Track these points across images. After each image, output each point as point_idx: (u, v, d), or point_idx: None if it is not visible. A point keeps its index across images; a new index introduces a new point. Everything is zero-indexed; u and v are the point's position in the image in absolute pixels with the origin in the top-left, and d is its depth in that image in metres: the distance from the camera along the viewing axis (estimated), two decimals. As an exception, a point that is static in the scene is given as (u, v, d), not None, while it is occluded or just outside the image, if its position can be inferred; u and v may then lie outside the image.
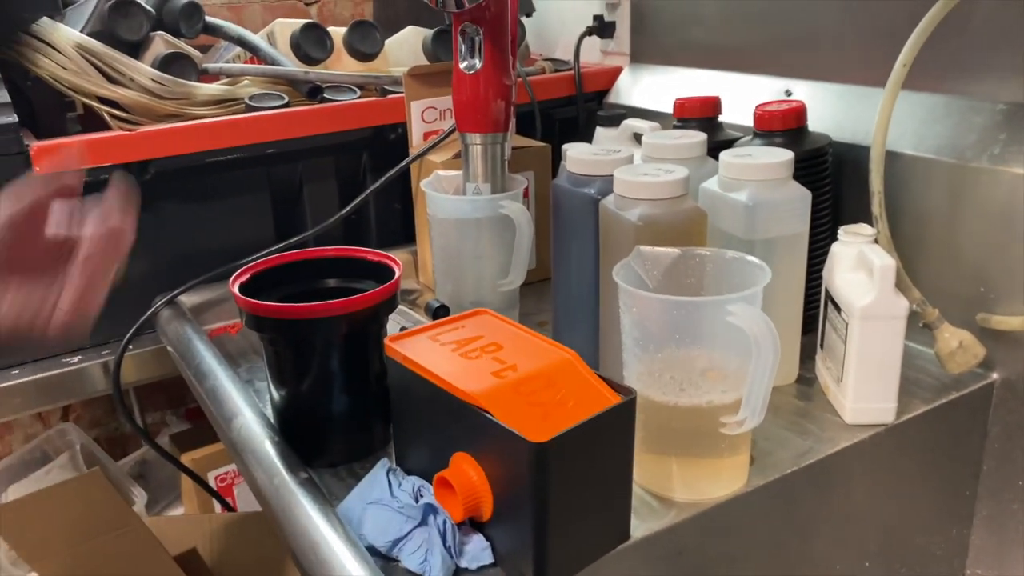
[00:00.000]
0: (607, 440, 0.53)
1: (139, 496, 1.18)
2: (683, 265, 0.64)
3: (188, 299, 0.95)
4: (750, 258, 0.61)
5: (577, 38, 1.22)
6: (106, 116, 0.98)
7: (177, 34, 1.10)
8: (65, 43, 0.97)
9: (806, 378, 0.77)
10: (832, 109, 0.90)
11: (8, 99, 0.88)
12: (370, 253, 0.72)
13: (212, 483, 1.15)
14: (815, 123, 0.84)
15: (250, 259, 0.75)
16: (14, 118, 0.86)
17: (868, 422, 0.69)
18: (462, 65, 0.83)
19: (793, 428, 0.70)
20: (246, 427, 0.66)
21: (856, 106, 0.88)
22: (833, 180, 0.83)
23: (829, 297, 0.73)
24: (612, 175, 0.70)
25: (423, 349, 0.60)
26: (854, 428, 0.69)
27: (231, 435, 0.67)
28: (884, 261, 0.66)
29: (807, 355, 0.78)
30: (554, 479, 0.50)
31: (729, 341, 0.58)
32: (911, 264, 0.76)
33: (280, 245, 0.92)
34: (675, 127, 0.91)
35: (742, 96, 0.97)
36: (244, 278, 0.67)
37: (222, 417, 0.69)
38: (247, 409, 0.69)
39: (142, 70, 0.99)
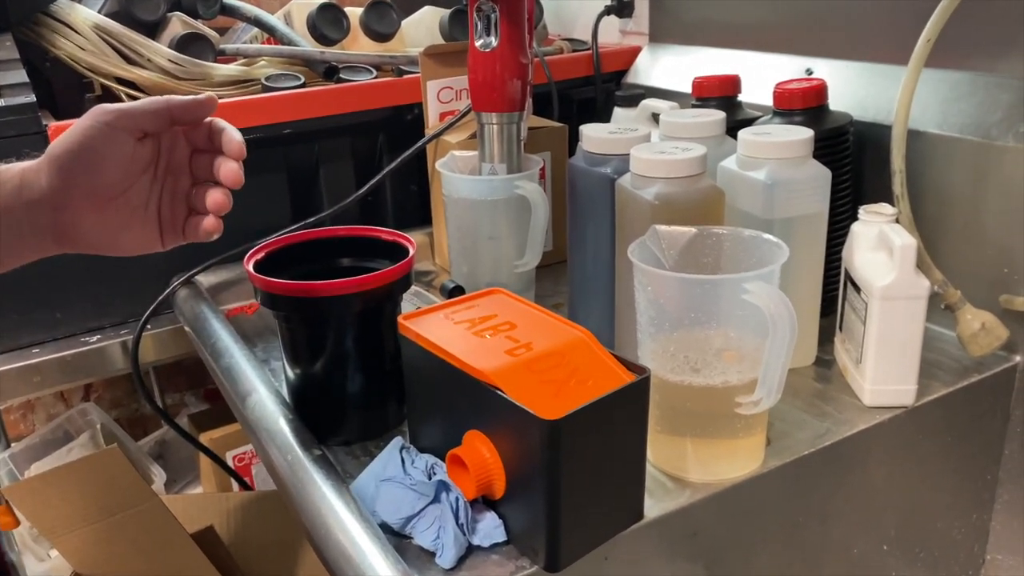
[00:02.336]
0: (620, 419, 0.53)
1: (158, 475, 1.19)
2: (700, 244, 0.63)
3: (206, 279, 0.95)
4: (767, 236, 0.60)
5: (595, 18, 1.20)
6: (124, 97, 0.99)
7: (194, 15, 1.10)
8: (83, 24, 0.97)
9: (825, 360, 0.77)
10: (854, 87, 0.88)
11: (27, 79, 0.89)
12: (384, 232, 0.72)
13: (230, 463, 1.16)
14: (836, 102, 0.82)
15: (266, 239, 0.75)
16: (32, 98, 0.86)
17: (887, 404, 0.68)
18: (478, 43, 0.83)
19: (811, 410, 0.69)
20: (260, 405, 0.66)
21: (878, 84, 0.86)
22: (854, 159, 0.81)
23: (849, 277, 0.72)
24: (628, 154, 0.69)
25: (436, 327, 0.60)
26: (873, 410, 0.68)
27: (246, 413, 0.67)
28: (905, 240, 0.65)
29: (826, 337, 0.77)
30: (566, 457, 0.50)
31: (745, 320, 0.57)
32: (933, 244, 0.75)
33: (296, 226, 0.92)
34: (694, 106, 0.90)
35: (762, 75, 0.96)
36: (259, 256, 0.67)
37: (237, 395, 0.69)
38: (262, 387, 0.69)
39: (159, 51, 0.99)
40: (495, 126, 0.86)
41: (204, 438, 1.15)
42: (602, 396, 0.51)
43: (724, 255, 0.63)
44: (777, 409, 0.65)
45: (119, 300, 1.00)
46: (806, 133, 0.70)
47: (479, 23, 0.83)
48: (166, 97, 0.56)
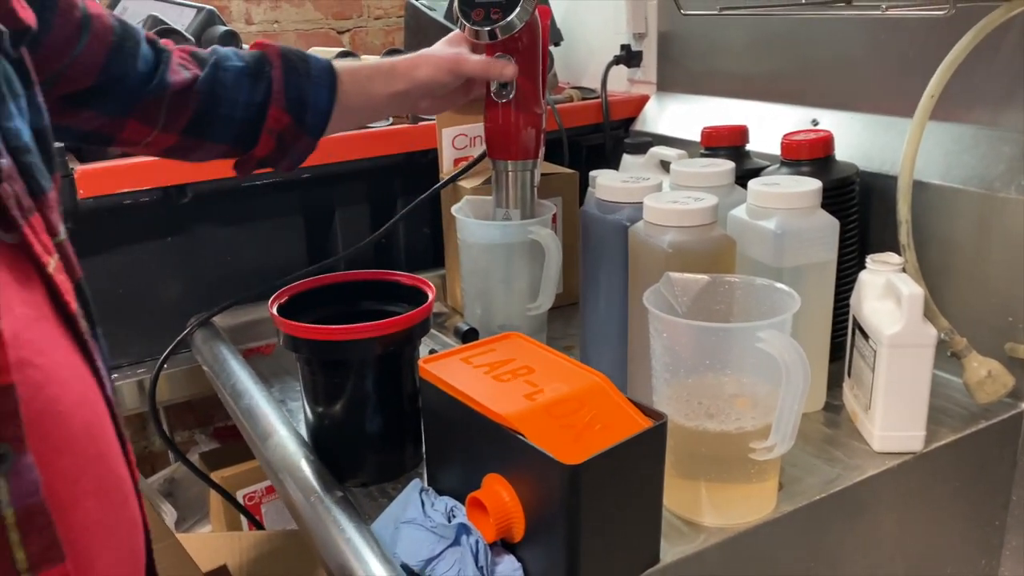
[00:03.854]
0: (638, 463, 0.54)
1: (168, 514, 1.19)
2: (712, 292, 0.65)
3: (221, 320, 0.97)
4: (779, 286, 0.62)
5: (604, 67, 1.23)
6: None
7: (215, 61, 1.13)
8: (109, 70, 1.00)
9: (833, 405, 0.78)
10: (859, 138, 0.91)
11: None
12: (404, 277, 0.74)
13: (241, 501, 1.16)
14: (842, 152, 0.85)
15: (285, 280, 0.76)
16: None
17: (896, 450, 0.69)
18: (494, 94, 0.85)
19: (821, 455, 0.70)
20: (282, 446, 0.67)
21: (883, 135, 0.89)
22: (861, 208, 0.83)
23: (857, 325, 0.73)
24: (641, 202, 0.71)
25: (457, 371, 0.61)
26: (882, 456, 0.69)
27: (267, 454, 0.68)
28: (912, 290, 0.66)
29: (834, 382, 0.79)
30: (586, 501, 0.51)
31: (758, 367, 0.58)
32: (939, 293, 0.77)
33: (313, 267, 0.93)
34: (703, 155, 0.92)
35: (768, 125, 0.98)
36: (282, 300, 0.69)
37: (258, 436, 0.70)
38: (282, 428, 0.70)
39: (182, 96, 1.02)
40: (510, 173, 0.88)
41: (215, 477, 1.15)
42: (621, 442, 0.52)
43: (736, 303, 0.65)
44: (788, 454, 0.66)
45: (135, 340, 1.01)
46: (814, 184, 0.72)
47: None
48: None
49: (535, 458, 0.52)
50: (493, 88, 0.84)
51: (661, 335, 0.61)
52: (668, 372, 0.61)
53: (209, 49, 0.74)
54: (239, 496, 1.15)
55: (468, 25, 0.81)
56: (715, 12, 0.79)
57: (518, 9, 0.79)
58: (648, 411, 0.57)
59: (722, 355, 0.59)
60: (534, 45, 0.83)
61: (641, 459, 0.54)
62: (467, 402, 0.57)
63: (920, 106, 0.72)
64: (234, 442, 1.16)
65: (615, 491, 0.53)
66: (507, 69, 0.81)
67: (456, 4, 0.83)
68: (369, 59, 1.19)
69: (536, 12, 0.82)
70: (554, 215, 1.00)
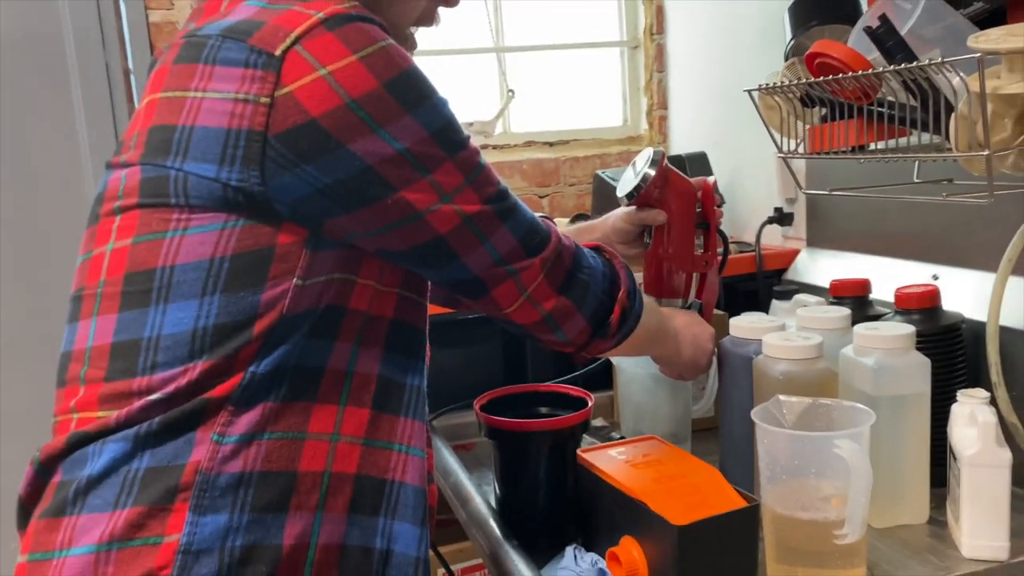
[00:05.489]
0: (734, 535, 0.72)
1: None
2: (814, 412, 0.82)
3: (437, 422, 1.24)
4: (861, 407, 0.79)
5: (760, 224, 1.44)
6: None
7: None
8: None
9: (938, 520, 0.89)
10: (975, 292, 1.04)
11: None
12: (572, 389, 0.97)
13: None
14: (959, 303, 0.99)
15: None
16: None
17: (983, 557, 0.81)
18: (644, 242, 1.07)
19: (916, 557, 0.83)
20: (477, 509, 0.90)
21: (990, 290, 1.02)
22: (968, 352, 0.97)
23: (950, 448, 0.86)
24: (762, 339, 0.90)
25: (604, 459, 0.83)
26: (970, 561, 0.81)
27: (465, 516, 0.91)
28: (987, 418, 0.80)
29: (941, 502, 0.90)
30: (690, 556, 0.69)
31: (840, 472, 0.75)
32: (1037, 427, 0.88)
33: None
34: (831, 303, 1.09)
35: (899, 278, 1.13)
36: (483, 402, 0.94)
37: (459, 501, 0.94)
38: (476, 496, 0.94)
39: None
40: None
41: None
42: (721, 513, 0.71)
43: (834, 421, 0.82)
44: (887, 553, 0.81)
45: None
46: (908, 329, 0.88)
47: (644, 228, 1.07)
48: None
49: (654, 520, 0.71)
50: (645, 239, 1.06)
51: (763, 441, 0.79)
52: (769, 471, 0.78)
53: None
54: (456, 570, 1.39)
55: (619, 196, 1.05)
56: (826, 192, 0.98)
57: (638, 180, 1.01)
58: (747, 497, 0.75)
59: (808, 458, 0.76)
60: (666, 204, 1.04)
61: (736, 531, 0.72)
62: (609, 480, 0.78)
63: (1000, 268, 0.87)
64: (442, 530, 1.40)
65: (714, 554, 0.71)
66: (658, 216, 1.02)
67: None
68: (562, 221, 1.47)
69: (674, 181, 1.03)
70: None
